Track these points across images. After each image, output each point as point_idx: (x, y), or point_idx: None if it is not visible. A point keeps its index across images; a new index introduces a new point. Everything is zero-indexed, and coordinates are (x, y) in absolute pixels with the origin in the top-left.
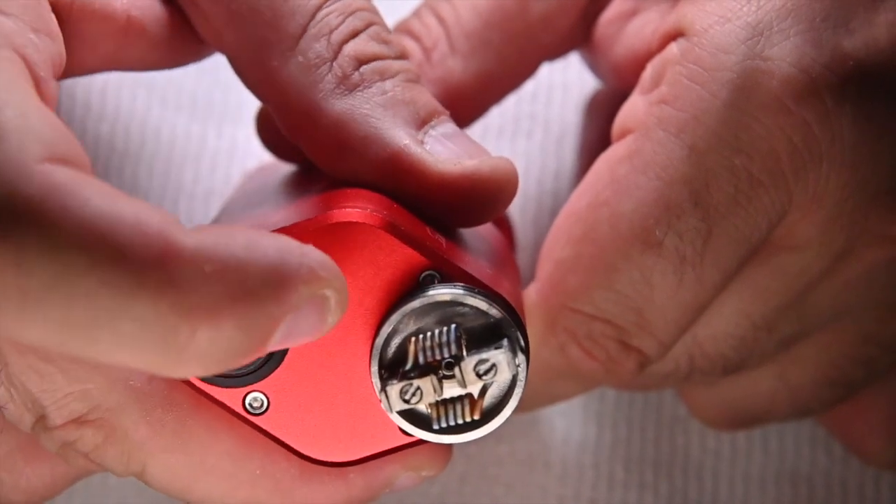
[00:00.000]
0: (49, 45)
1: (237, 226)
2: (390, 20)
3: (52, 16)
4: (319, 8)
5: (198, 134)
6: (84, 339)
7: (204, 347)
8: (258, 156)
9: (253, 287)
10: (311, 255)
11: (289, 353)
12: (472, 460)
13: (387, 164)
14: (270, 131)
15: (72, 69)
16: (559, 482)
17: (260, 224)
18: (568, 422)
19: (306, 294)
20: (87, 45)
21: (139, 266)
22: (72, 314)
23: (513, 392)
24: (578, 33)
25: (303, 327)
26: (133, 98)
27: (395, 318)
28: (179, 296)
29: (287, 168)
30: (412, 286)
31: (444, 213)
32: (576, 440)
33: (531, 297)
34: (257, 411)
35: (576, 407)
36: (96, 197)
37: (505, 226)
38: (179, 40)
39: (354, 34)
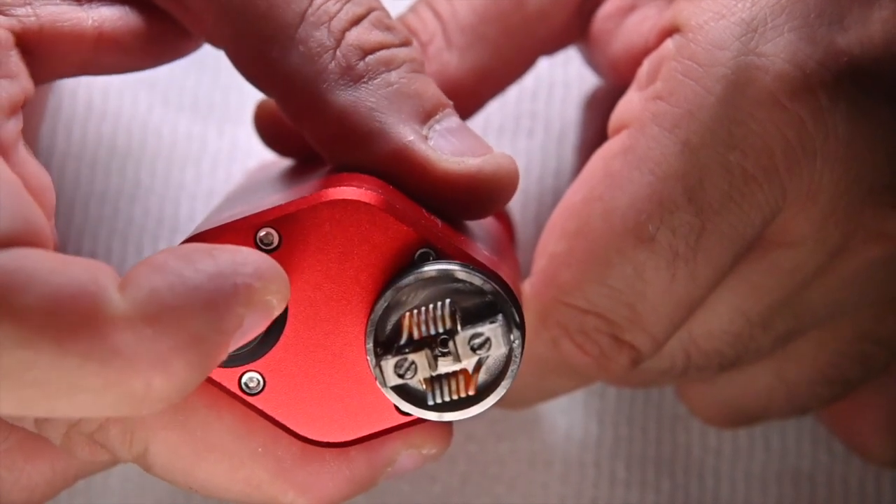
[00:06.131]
0: (6, 87)
1: (176, 249)
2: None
3: (11, 53)
4: None
5: (199, 134)
6: (44, 411)
7: (162, 391)
8: (259, 155)
9: (196, 330)
10: (245, 267)
11: (285, 331)
12: (474, 459)
13: (391, 158)
14: (270, 127)
15: (43, 78)
16: (560, 481)
17: (257, 205)
18: (569, 420)
19: (249, 310)
20: (57, 60)
21: (82, 346)
22: (25, 396)
23: (508, 368)
24: (575, 28)
25: (250, 331)
26: (135, 98)
27: (389, 293)
28: (125, 362)
29: (288, 163)
30: (408, 263)
31: (446, 206)
32: (577, 438)
33: (525, 291)
34: (253, 391)
35: (577, 405)
36: (34, 284)
37: (505, 221)
38: (158, 43)
39: (356, 21)
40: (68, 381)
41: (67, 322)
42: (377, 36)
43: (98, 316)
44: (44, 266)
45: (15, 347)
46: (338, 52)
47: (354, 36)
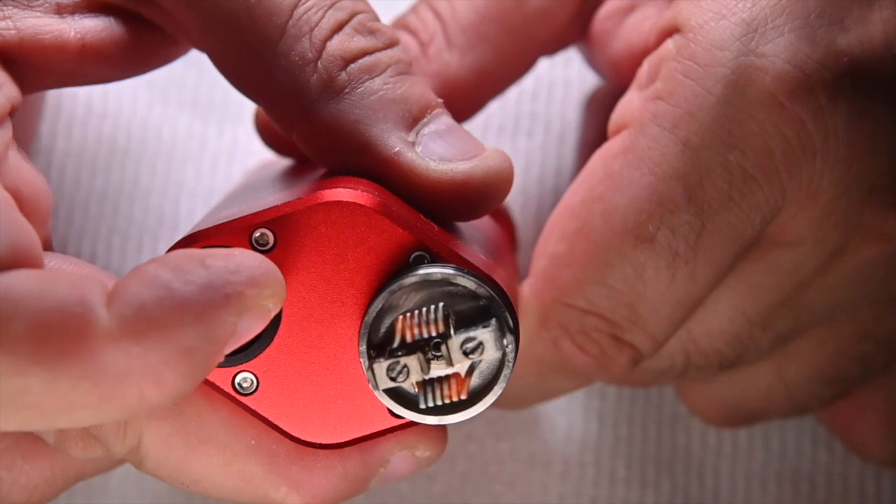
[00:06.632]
0: None
1: (167, 258)
2: (387, 18)
3: None
4: (297, 5)
5: (199, 132)
6: (45, 427)
7: (155, 399)
8: (259, 154)
9: (186, 343)
10: (237, 275)
11: (279, 332)
12: (474, 459)
13: (379, 168)
14: (269, 126)
15: (28, 89)
16: (560, 480)
17: (253, 205)
18: (569, 420)
19: (241, 318)
20: (41, 72)
21: (72, 369)
22: (23, 417)
23: (501, 373)
24: (575, 28)
25: (245, 335)
26: (134, 97)
27: (383, 296)
28: (116, 378)
29: (288, 162)
30: (403, 266)
31: (438, 209)
32: (577, 438)
33: (525, 291)
34: (247, 392)
35: (577, 405)
36: (21, 312)
37: (505, 222)
38: (144, 52)
39: (337, 28)
40: (63, 402)
41: (56, 347)
42: (359, 42)
43: (86, 337)
44: (30, 291)
45: (7, 376)
46: (319, 65)
47: (336, 45)
